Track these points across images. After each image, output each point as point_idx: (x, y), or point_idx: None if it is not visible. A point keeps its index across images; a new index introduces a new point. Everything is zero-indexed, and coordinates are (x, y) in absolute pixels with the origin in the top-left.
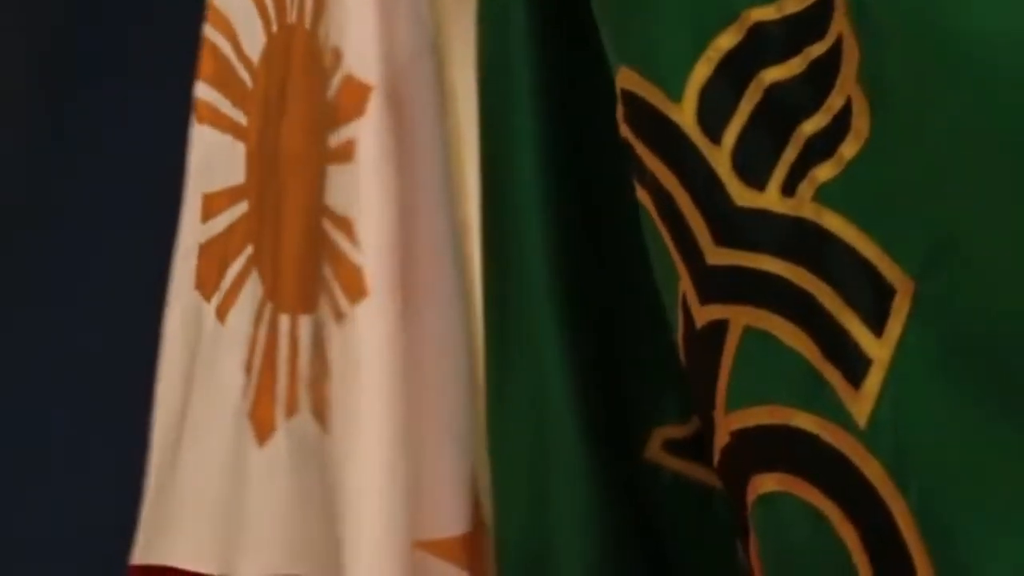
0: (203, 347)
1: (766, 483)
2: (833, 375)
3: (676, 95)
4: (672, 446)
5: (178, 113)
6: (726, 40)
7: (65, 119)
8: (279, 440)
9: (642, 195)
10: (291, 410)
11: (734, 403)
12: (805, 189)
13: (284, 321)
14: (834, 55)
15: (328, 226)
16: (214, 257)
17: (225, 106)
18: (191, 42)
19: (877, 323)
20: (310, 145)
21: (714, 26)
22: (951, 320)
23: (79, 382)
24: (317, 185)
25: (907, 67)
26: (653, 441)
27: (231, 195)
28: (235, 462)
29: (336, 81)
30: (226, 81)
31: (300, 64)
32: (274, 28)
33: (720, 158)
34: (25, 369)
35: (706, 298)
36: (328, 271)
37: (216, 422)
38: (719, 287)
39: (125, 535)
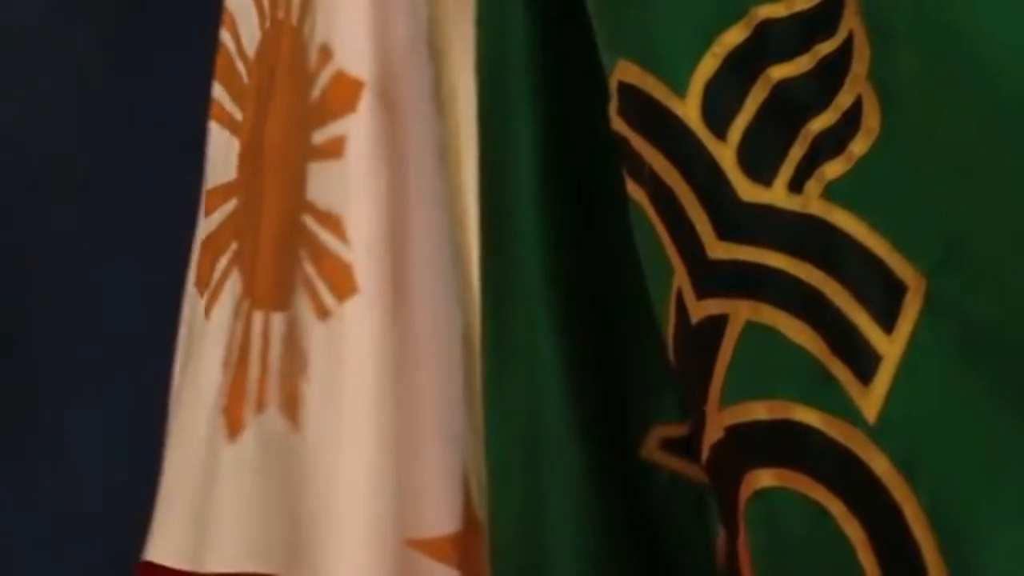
0: (193, 344)
1: (763, 478)
2: (841, 371)
3: (681, 89)
4: (670, 445)
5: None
6: (733, 36)
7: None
8: (248, 436)
9: (634, 189)
10: (260, 406)
11: (730, 398)
12: (813, 186)
13: (258, 317)
14: (844, 53)
15: (310, 222)
16: (208, 254)
17: (227, 102)
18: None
19: (887, 320)
20: (290, 141)
21: (721, 22)
22: (963, 317)
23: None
24: (296, 181)
25: (918, 65)
26: (650, 440)
27: (225, 192)
28: (208, 458)
29: (325, 77)
30: (229, 77)
31: (286, 60)
32: (267, 24)
33: (725, 153)
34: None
35: (704, 293)
36: (310, 268)
37: (196, 419)
38: (720, 281)
39: None
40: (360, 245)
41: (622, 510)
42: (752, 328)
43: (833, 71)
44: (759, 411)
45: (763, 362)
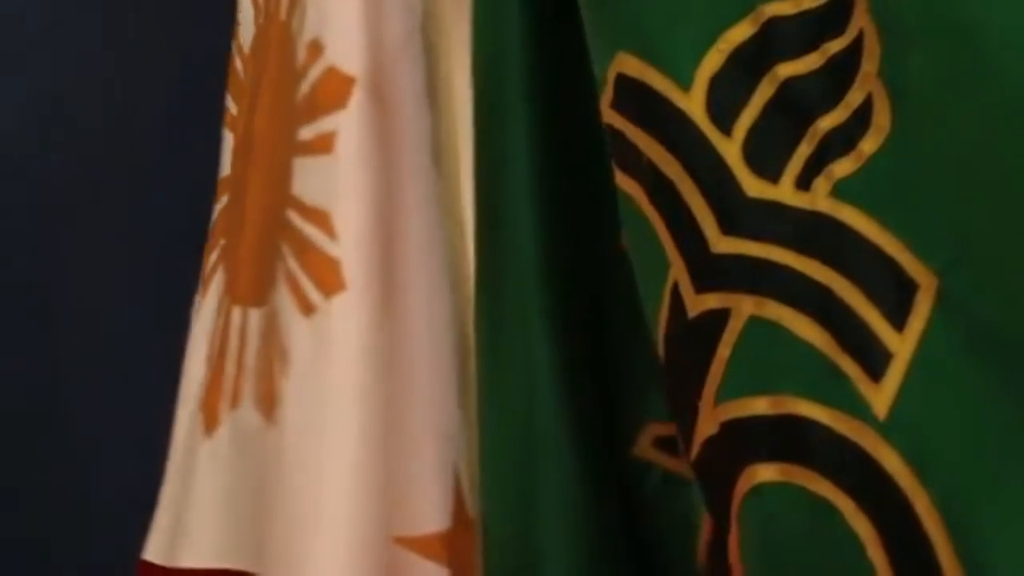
0: (190, 341)
1: (763, 473)
2: (850, 367)
3: (685, 83)
4: (663, 443)
5: None
6: (738, 32)
7: None
8: (223, 432)
9: (625, 182)
10: (235, 402)
11: (728, 393)
12: (821, 184)
13: (236, 313)
14: (854, 51)
15: (295, 217)
16: (206, 250)
17: (228, 98)
18: None
19: (898, 317)
20: (275, 136)
21: (726, 18)
22: (976, 316)
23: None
24: (281, 176)
25: (928, 63)
26: (644, 438)
27: (221, 187)
28: (188, 454)
29: (316, 72)
30: (233, 74)
31: (275, 55)
32: (261, 18)
33: (730, 149)
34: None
35: (704, 286)
36: (293, 263)
37: (183, 415)
38: (722, 276)
39: None
40: (349, 241)
41: (616, 509)
42: (756, 323)
43: (842, 69)
44: (761, 406)
45: (767, 357)
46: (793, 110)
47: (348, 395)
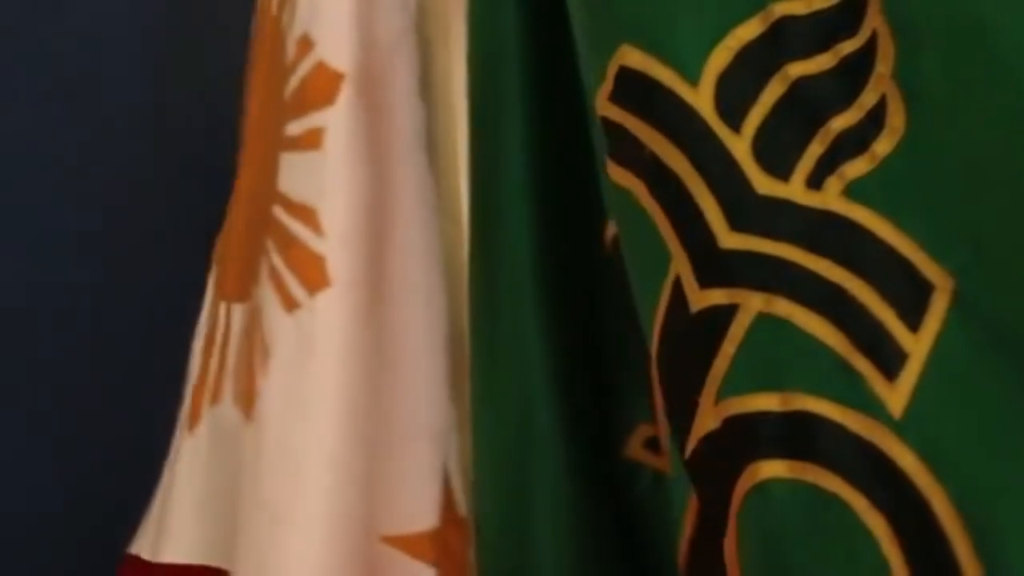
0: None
1: (769, 469)
2: (864, 366)
3: (693, 78)
4: (654, 444)
5: None
6: (747, 30)
7: None
8: (203, 428)
9: (621, 174)
10: (215, 398)
11: (733, 389)
12: (833, 183)
13: (222, 309)
14: (867, 52)
15: (281, 213)
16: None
17: None
18: None
19: (913, 317)
20: (265, 131)
21: (735, 15)
22: (992, 316)
23: None
24: (268, 172)
25: (941, 64)
26: (635, 439)
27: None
28: (174, 450)
29: (305, 67)
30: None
31: (267, 49)
32: (258, 14)
33: (739, 145)
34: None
35: (710, 282)
36: (277, 259)
37: (182, 411)
38: (730, 271)
39: None
40: (335, 237)
41: (609, 509)
42: (764, 320)
43: (855, 70)
44: (770, 402)
45: (776, 354)
46: (804, 109)
47: (329, 392)
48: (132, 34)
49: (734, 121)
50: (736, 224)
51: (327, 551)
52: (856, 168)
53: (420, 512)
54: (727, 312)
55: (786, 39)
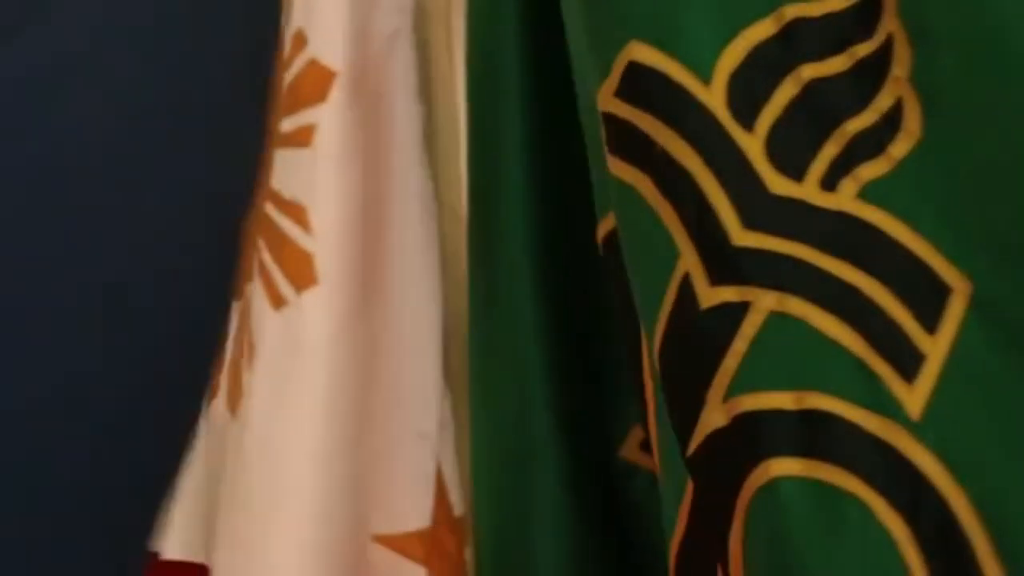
0: None
1: (782, 467)
2: (882, 367)
3: (705, 76)
4: (649, 446)
5: None
6: (760, 31)
7: None
8: (201, 424)
9: (625, 169)
10: (213, 394)
11: (743, 386)
12: (848, 185)
13: None
14: (883, 55)
15: (272, 210)
16: None
17: None
18: None
19: (929, 320)
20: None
21: (747, 14)
22: (1010, 319)
23: None
24: (263, 168)
25: (956, 66)
26: (630, 440)
27: None
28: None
29: (299, 64)
30: None
31: None
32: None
33: (752, 144)
34: None
35: (721, 279)
36: (267, 256)
37: None
38: (743, 269)
39: None
40: (323, 235)
41: (605, 510)
42: (778, 319)
43: (870, 73)
44: (783, 400)
45: (791, 353)
46: (818, 111)
47: (313, 391)
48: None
49: (747, 120)
50: (749, 222)
51: (309, 551)
52: (871, 170)
53: (411, 512)
54: (739, 310)
55: (799, 41)
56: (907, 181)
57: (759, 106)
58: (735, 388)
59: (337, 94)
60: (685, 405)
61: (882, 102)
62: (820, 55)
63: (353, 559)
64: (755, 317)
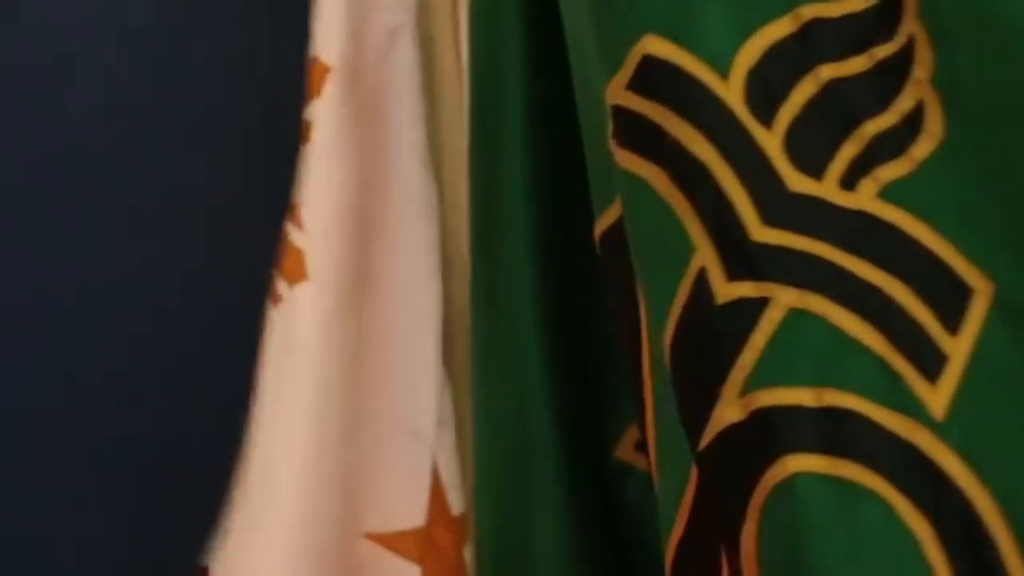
0: None
1: (801, 463)
2: (904, 367)
3: (723, 71)
4: (644, 446)
5: None
6: (778, 29)
7: None
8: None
9: (637, 162)
10: None
11: (761, 382)
12: (867, 185)
13: None
14: (904, 57)
15: None
16: None
17: None
18: None
19: (951, 320)
20: None
21: (764, 13)
22: None
23: None
24: None
25: (977, 67)
26: (626, 440)
27: None
28: None
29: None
30: None
31: None
32: None
33: (771, 141)
34: None
35: (739, 274)
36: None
37: None
38: (762, 265)
39: None
40: (314, 232)
41: (603, 509)
42: (798, 315)
43: (891, 74)
44: (802, 397)
45: (811, 350)
46: (837, 111)
47: (304, 387)
48: None
49: (765, 117)
50: (768, 218)
51: (298, 549)
52: (892, 171)
53: (405, 510)
54: (756, 305)
55: (817, 41)
56: (928, 182)
57: (777, 103)
58: (752, 383)
59: (331, 89)
60: (697, 400)
61: (903, 104)
62: (839, 55)
63: (343, 556)
64: (774, 313)
